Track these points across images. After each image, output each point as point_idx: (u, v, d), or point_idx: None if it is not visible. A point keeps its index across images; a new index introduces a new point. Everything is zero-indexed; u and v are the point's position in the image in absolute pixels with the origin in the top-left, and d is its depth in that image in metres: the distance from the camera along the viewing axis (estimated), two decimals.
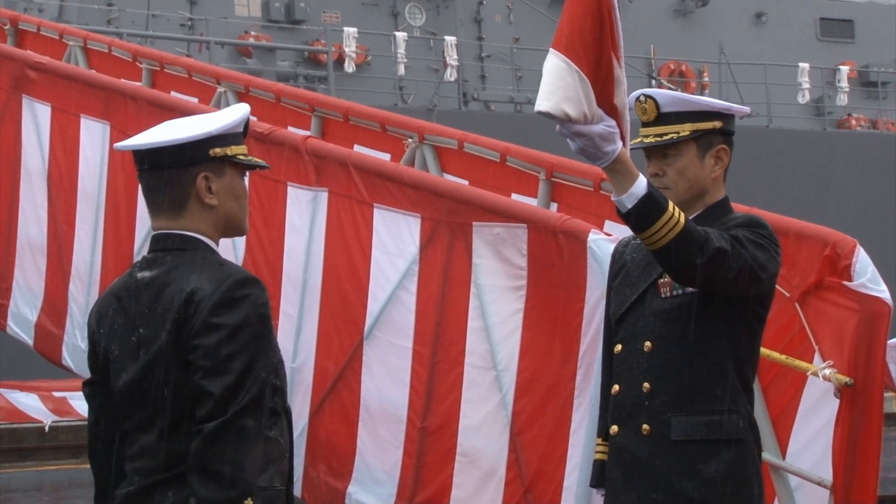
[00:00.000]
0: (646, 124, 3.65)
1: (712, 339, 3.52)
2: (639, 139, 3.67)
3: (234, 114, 3.15)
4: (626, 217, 3.35)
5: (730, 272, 3.40)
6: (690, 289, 3.52)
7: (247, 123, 3.18)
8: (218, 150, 3.08)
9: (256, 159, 3.20)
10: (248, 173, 3.21)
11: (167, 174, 3.07)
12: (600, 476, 3.75)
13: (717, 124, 3.64)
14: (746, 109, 3.81)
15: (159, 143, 3.07)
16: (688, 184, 3.60)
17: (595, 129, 3.29)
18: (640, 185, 3.33)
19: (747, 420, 3.54)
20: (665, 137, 3.60)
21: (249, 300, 2.96)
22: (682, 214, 3.36)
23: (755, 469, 3.56)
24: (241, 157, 3.13)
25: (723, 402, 3.51)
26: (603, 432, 3.75)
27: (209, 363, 2.91)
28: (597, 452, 3.79)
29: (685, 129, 3.61)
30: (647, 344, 3.56)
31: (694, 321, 3.52)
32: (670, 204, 3.34)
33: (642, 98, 3.66)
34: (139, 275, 3.08)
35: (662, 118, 3.62)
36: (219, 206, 3.10)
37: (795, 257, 4.15)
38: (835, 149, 22.69)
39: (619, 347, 3.65)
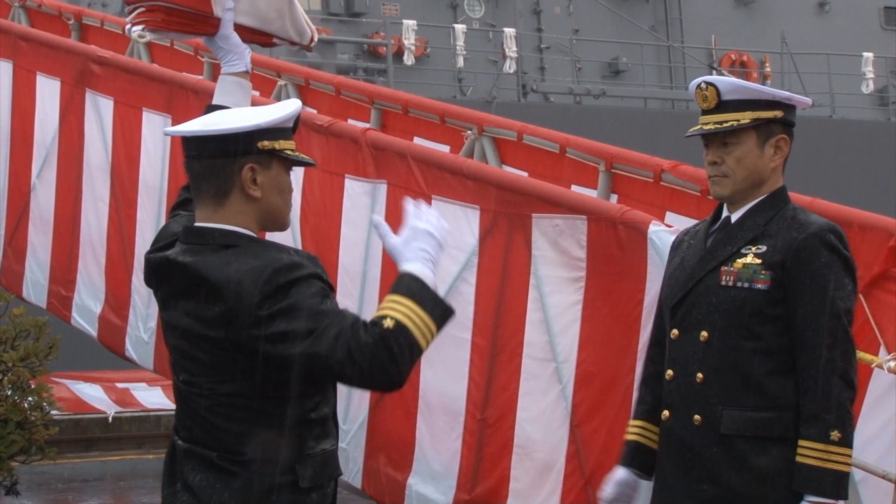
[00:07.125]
0: (706, 112, 3.61)
1: (776, 339, 3.47)
2: (698, 126, 3.63)
3: (285, 108, 3.15)
4: None
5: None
6: (759, 285, 3.48)
7: (297, 120, 3.17)
8: (266, 143, 3.08)
9: (304, 156, 3.19)
10: (293, 168, 3.20)
11: (214, 163, 3.08)
12: (632, 457, 3.75)
13: (779, 114, 3.60)
14: (808, 101, 3.76)
15: (208, 132, 3.08)
16: (746, 172, 3.56)
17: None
18: None
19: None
20: (725, 125, 3.57)
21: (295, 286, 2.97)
22: None
23: None
24: (288, 151, 3.12)
25: (778, 399, 3.47)
26: (640, 415, 3.76)
27: (292, 338, 2.95)
28: (630, 433, 3.79)
29: (746, 117, 3.57)
30: (704, 334, 3.53)
31: (758, 318, 3.48)
32: None
33: (703, 85, 3.62)
34: (175, 257, 3.08)
35: (723, 106, 3.58)
36: (262, 200, 3.10)
37: (859, 248, 4.09)
38: None
39: (675, 333, 3.63)
